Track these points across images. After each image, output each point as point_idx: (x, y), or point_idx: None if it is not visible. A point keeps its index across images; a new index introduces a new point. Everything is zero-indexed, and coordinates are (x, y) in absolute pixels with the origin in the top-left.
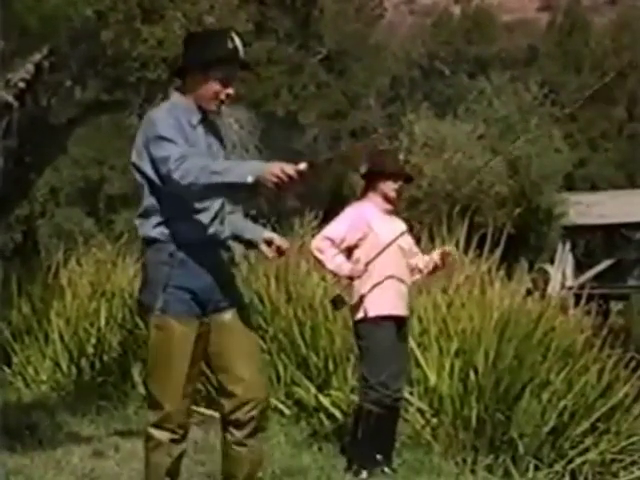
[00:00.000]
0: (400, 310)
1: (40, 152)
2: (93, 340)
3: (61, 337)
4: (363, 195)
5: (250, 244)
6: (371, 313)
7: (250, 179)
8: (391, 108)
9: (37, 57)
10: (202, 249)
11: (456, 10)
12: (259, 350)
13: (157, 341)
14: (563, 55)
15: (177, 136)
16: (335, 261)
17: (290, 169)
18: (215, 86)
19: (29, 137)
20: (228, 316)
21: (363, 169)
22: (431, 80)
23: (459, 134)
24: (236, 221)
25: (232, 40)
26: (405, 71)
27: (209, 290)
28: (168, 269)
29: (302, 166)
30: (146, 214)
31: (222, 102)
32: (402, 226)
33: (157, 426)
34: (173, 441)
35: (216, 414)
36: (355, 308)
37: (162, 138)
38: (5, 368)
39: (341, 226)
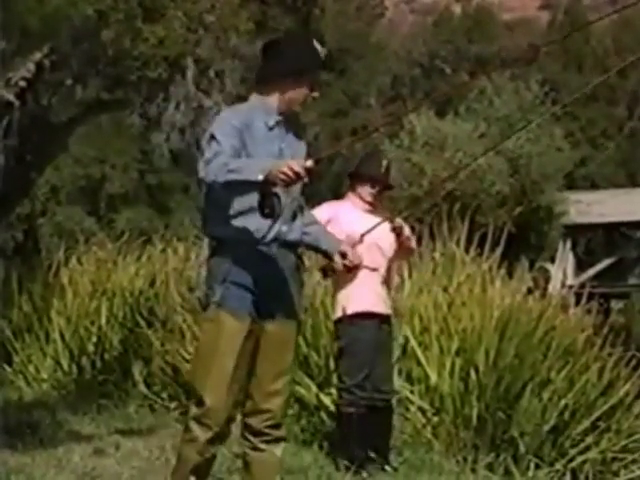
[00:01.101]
0: (380, 308)
1: (41, 151)
2: (94, 339)
3: (62, 336)
4: (344, 195)
5: (326, 255)
6: (349, 311)
7: (260, 177)
8: (392, 107)
9: (38, 56)
10: (266, 248)
11: (457, 9)
12: (291, 369)
13: (207, 334)
14: (564, 54)
15: (228, 136)
16: None
17: (297, 166)
18: (305, 91)
19: (30, 136)
20: (277, 326)
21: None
22: (432, 79)
23: (460, 133)
24: (316, 231)
25: (315, 45)
26: (406, 70)
27: (268, 292)
28: (228, 265)
29: (309, 163)
30: (209, 212)
31: (301, 107)
32: (383, 224)
33: (196, 420)
34: (209, 441)
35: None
36: (333, 308)
37: (212, 137)
38: (6, 367)
39: (319, 211)
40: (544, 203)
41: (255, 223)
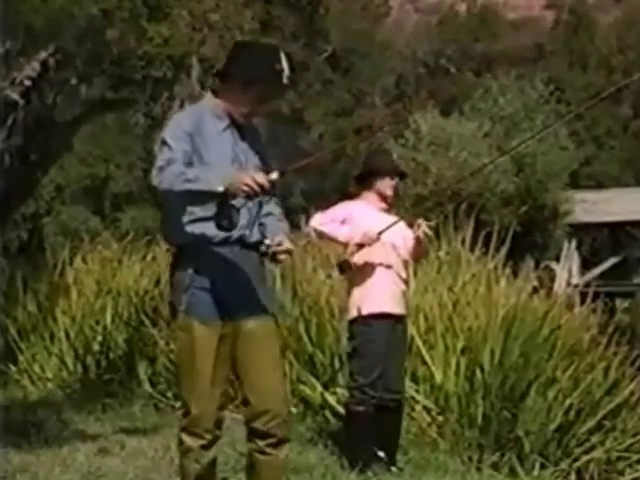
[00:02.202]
0: (394, 308)
1: (46, 150)
2: (99, 338)
3: (67, 335)
4: (357, 195)
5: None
6: (363, 311)
7: (220, 188)
8: (396, 106)
9: (43, 55)
10: (228, 252)
11: (462, 8)
12: (281, 362)
13: (181, 343)
14: (569, 53)
15: (179, 141)
16: (342, 231)
17: (262, 178)
18: (250, 102)
19: (35, 135)
20: (253, 324)
21: (357, 171)
22: (437, 78)
23: (465, 132)
24: (270, 224)
25: (280, 62)
26: (410, 69)
27: (234, 294)
28: (192, 271)
29: (274, 175)
30: (170, 217)
31: (251, 116)
32: (399, 223)
33: (186, 430)
34: (202, 447)
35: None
36: (348, 307)
37: (163, 142)
38: (11, 366)
39: (327, 212)
40: (549, 202)
41: (213, 229)
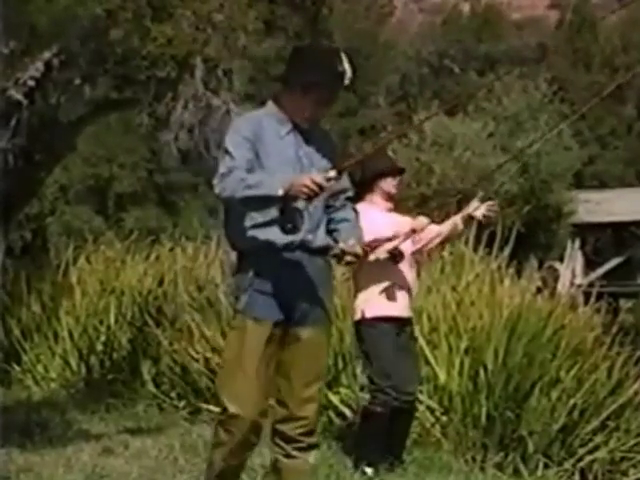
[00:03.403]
0: (399, 311)
1: (49, 150)
2: (102, 338)
3: (70, 335)
4: (360, 199)
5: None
6: (368, 314)
7: (280, 191)
8: (400, 106)
9: (47, 55)
10: (290, 256)
11: (465, 8)
12: (325, 373)
13: (231, 340)
14: (572, 53)
15: (240, 149)
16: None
17: (319, 178)
18: (310, 105)
19: (39, 135)
20: (308, 332)
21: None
22: (441, 78)
23: (469, 132)
24: (344, 229)
25: (341, 63)
26: (414, 69)
27: (294, 298)
28: (252, 274)
29: (331, 174)
30: (232, 222)
31: (313, 119)
32: (405, 219)
33: (222, 425)
34: (236, 447)
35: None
36: (353, 308)
37: (225, 151)
38: (15, 366)
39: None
40: (553, 202)
41: (277, 234)
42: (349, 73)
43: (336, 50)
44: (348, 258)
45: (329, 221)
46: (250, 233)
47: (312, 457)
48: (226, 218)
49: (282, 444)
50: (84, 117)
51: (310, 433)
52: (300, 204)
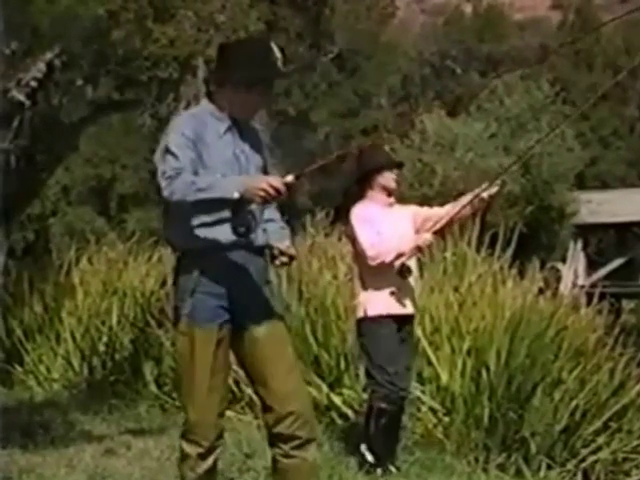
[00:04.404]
0: (401, 308)
1: (52, 151)
2: (105, 339)
3: (73, 336)
4: (361, 196)
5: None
6: (370, 312)
7: (236, 194)
8: (402, 107)
9: (49, 56)
10: (233, 255)
11: (467, 9)
12: (296, 362)
13: (181, 348)
14: (574, 53)
15: (184, 149)
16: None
17: (277, 182)
18: (256, 99)
19: (41, 136)
20: (263, 329)
21: (356, 173)
22: (442, 79)
23: (471, 133)
24: (273, 230)
25: (273, 52)
26: (416, 70)
27: (241, 298)
28: (197, 276)
29: (289, 178)
30: (174, 222)
31: (256, 112)
32: (404, 214)
33: (185, 437)
34: (199, 455)
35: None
36: (356, 306)
37: (167, 150)
38: (17, 367)
39: (366, 231)
40: (555, 203)
41: (223, 233)
42: (280, 58)
43: (265, 40)
44: (283, 259)
45: None
46: (195, 232)
47: (310, 454)
48: (166, 219)
49: (280, 444)
50: (86, 118)
51: (304, 426)
52: (253, 206)
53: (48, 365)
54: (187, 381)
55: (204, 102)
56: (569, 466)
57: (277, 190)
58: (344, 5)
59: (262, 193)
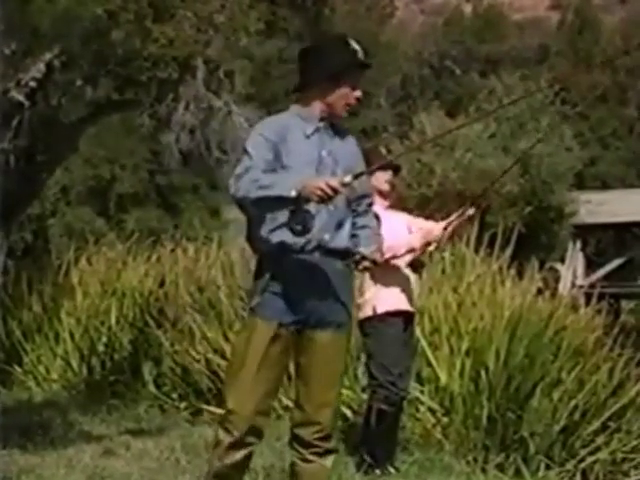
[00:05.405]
0: (407, 305)
1: (51, 151)
2: (104, 339)
3: (72, 336)
4: None
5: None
6: (380, 309)
7: (293, 193)
8: (402, 107)
9: (48, 56)
10: (306, 258)
11: (467, 9)
12: (341, 378)
13: (239, 339)
14: (574, 54)
15: (259, 149)
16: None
17: (334, 182)
18: (346, 92)
19: (40, 136)
20: (326, 335)
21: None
22: (442, 79)
23: (470, 133)
24: (364, 236)
25: (352, 45)
26: (416, 70)
27: (310, 300)
28: (268, 278)
29: (347, 179)
30: (252, 225)
31: (349, 105)
32: (400, 219)
33: (220, 424)
34: (230, 445)
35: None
36: (361, 306)
37: (244, 151)
38: (16, 367)
39: None
40: (554, 203)
41: (291, 237)
42: (360, 50)
43: (342, 35)
44: (366, 264)
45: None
46: (268, 236)
47: (329, 462)
48: (248, 222)
49: (300, 448)
50: (85, 118)
51: (326, 438)
52: (312, 206)
53: (47, 365)
54: (235, 368)
55: (292, 107)
56: (568, 466)
57: (334, 190)
58: (344, 5)
59: (319, 192)
